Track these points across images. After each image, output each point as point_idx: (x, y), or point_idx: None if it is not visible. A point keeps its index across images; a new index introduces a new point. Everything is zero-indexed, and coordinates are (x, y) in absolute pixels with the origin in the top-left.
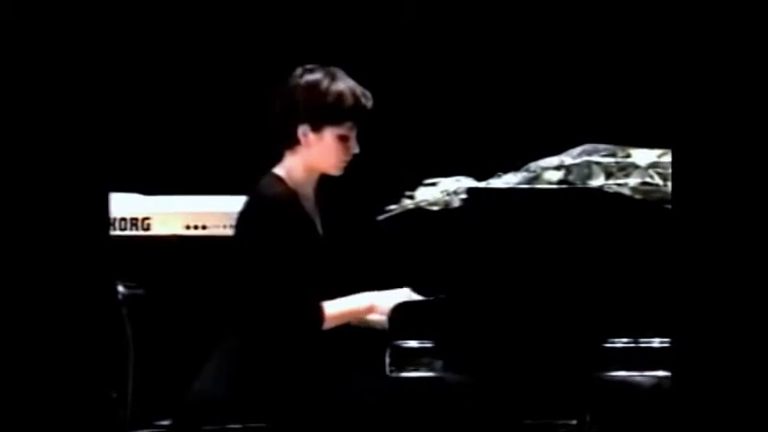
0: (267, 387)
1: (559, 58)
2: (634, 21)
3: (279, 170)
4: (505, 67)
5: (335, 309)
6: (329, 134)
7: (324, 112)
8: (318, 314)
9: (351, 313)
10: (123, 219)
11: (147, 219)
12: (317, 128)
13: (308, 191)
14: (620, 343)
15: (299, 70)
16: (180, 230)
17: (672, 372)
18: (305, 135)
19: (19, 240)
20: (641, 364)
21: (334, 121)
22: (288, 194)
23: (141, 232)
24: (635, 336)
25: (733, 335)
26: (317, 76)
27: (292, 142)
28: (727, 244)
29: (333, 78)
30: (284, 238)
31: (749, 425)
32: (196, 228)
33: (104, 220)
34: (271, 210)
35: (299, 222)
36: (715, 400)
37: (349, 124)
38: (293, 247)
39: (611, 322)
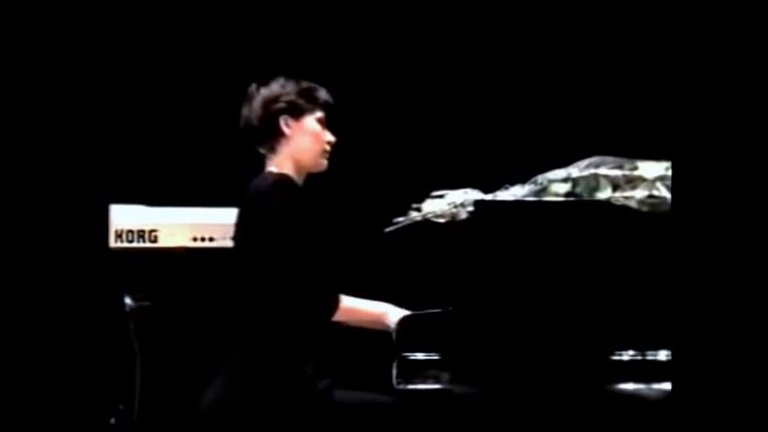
0: (276, 397)
1: (567, 70)
2: (642, 33)
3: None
4: (513, 78)
5: (350, 301)
6: (309, 119)
7: (301, 99)
8: (334, 300)
9: (362, 312)
10: (130, 231)
11: (154, 231)
12: (297, 115)
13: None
14: (627, 355)
15: (254, 85)
16: (187, 242)
17: (672, 382)
18: (287, 125)
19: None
20: (648, 376)
21: (311, 106)
22: (291, 178)
23: (148, 244)
24: (642, 348)
25: (733, 343)
26: (280, 79)
27: (276, 137)
28: (726, 254)
29: (296, 80)
30: (303, 215)
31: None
32: (203, 240)
33: (103, 231)
34: (285, 188)
35: (310, 204)
36: (716, 408)
37: (322, 111)
38: (312, 226)
39: (618, 335)
